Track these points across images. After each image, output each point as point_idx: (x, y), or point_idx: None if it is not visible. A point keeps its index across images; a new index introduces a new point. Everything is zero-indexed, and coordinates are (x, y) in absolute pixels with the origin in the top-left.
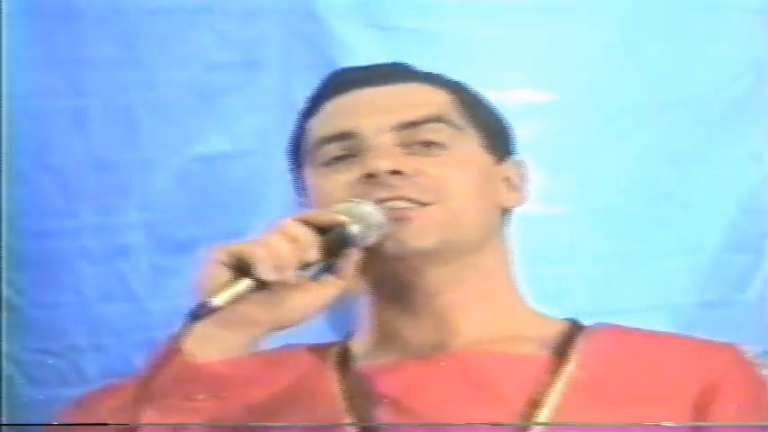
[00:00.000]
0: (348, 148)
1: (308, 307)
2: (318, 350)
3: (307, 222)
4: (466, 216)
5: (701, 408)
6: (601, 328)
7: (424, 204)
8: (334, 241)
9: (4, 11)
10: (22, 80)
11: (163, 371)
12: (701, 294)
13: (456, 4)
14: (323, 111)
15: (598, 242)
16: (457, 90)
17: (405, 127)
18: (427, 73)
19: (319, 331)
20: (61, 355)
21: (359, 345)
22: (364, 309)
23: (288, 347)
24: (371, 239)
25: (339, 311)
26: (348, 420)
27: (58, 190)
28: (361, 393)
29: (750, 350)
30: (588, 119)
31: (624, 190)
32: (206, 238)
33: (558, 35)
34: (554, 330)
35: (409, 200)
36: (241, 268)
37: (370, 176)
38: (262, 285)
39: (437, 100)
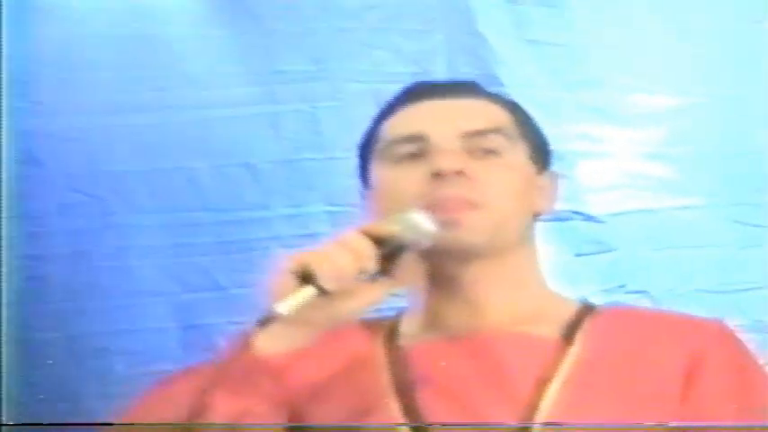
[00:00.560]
0: (418, 148)
1: (362, 305)
2: (371, 324)
3: (366, 234)
4: (509, 219)
5: (691, 378)
6: (608, 309)
7: (476, 206)
8: (389, 251)
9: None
10: (225, 92)
11: (234, 362)
12: None
13: (596, 20)
14: (398, 115)
15: (727, 230)
16: (513, 109)
17: (469, 135)
18: (491, 92)
19: None
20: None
21: (406, 324)
22: (413, 293)
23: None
24: (422, 246)
25: None
26: (391, 395)
27: (253, 185)
28: (402, 368)
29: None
30: (719, 121)
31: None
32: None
33: (686, 44)
34: (569, 312)
35: (466, 200)
36: (306, 277)
37: (437, 175)
38: (323, 292)
39: (497, 115)
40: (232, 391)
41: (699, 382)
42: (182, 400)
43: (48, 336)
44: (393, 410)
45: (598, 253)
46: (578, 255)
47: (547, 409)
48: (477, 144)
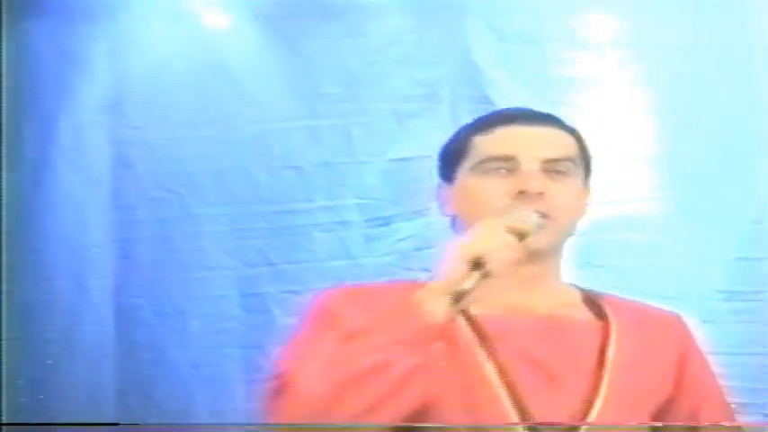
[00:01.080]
0: (506, 166)
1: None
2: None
3: (513, 230)
4: (567, 229)
5: (682, 365)
6: (600, 295)
7: (548, 218)
8: (523, 241)
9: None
10: (275, 109)
11: (411, 325)
12: None
13: (570, 53)
14: (491, 133)
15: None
16: (578, 138)
17: (549, 161)
18: (565, 123)
19: None
20: (303, 294)
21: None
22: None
23: None
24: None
25: None
26: (489, 364)
27: (298, 183)
28: (486, 337)
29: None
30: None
31: None
32: (401, 216)
33: None
34: (578, 296)
35: (542, 213)
36: (476, 264)
37: (523, 192)
38: (489, 277)
39: (570, 144)
40: (411, 348)
41: (688, 366)
42: (358, 356)
43: (137, 301)
44: (490, 375)
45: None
46: None
47: (607, 387)
48: (552, 167)
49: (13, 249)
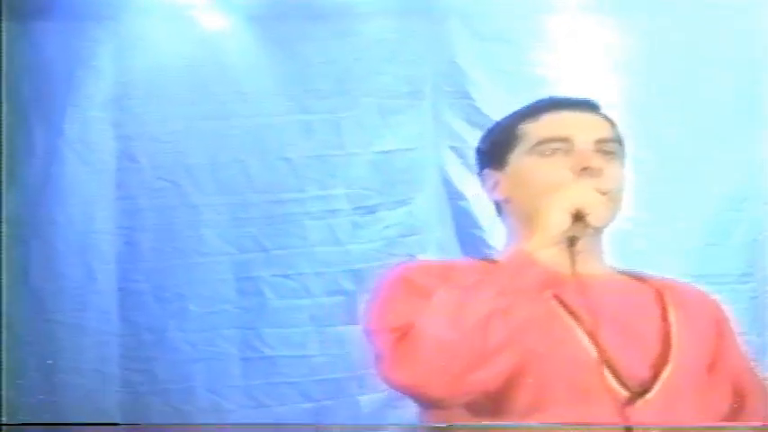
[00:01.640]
0: (562, 147)
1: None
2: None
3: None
4: (619, 204)
5: (720, 337)
6: (629, 270)
7: (605, 194)
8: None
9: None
10: (269, 104)
11: (527, 274)
12: None
13: (547, 52)
14: (540, 119)
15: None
16: (613, 124)
17: (600, 141)
18: (603, 112)
19: None
20: (295, 278)
21: None
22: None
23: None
24: None
25: None
26: (580, 329)
27: (290, 174)
28: (565, 303)
29: None
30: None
31: None
32: (387, 205)
33: None
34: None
35: (600, 190)
36: (578, 216)
37: (585, 169)
38: (591, 229)
39: (611, 127)
40: (529, 295)
41: (725, 336)
42: (481, 303)
43: (139, 286)
44: (579, 336)
45: None
46: None
47: (676, 349)
48: (603, 148)
49: (23, 236)
